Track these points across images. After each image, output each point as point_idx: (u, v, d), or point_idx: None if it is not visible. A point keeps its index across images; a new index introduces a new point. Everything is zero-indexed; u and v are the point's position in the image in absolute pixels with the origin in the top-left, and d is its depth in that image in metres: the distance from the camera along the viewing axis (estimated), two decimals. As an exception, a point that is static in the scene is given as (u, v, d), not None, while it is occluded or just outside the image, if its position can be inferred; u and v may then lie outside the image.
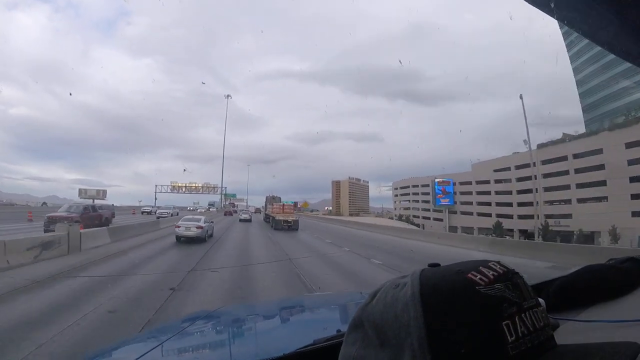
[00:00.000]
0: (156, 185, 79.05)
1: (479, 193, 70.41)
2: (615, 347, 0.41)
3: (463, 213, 73.58)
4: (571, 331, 0.77)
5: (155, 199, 70.65)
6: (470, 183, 73.39)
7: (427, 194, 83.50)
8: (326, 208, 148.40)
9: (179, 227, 15.69)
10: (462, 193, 75.49)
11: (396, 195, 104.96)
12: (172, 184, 79.88)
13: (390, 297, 0.47)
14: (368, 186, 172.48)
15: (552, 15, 1.03)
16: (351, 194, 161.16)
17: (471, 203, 72.11)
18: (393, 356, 0.44)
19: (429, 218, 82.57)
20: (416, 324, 0.42)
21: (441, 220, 77.29)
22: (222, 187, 77.22)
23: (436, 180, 78.08)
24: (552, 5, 1.00)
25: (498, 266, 0.47)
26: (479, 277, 0.44)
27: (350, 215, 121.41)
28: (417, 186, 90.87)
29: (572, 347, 0.43)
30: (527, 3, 1.05)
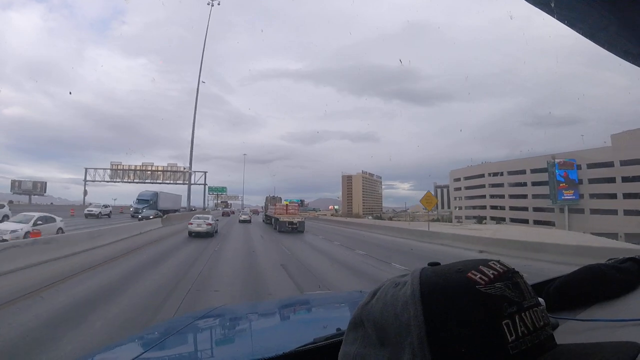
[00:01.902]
0: (86, 170, 47.27)
1: (627, 179, 43.07)
2: (615, 346, 0.41)
3: (595, 212, 46.88)
4: (571, 331, 0.77)
5: (85, 192, 45.88)
6: (609, 164, 45.76)
7: (522, 184, 55.91)
8: (331, 207, 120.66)
9: (191, 224, 18.44)
10: (592, 181, 48.15)
11: (458, 189, 74.67)
12: (113, 166, 49.32)
13: (390, 296, 0.47)
14: (381, 182, 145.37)
15: (552, 15, 1.04)
16: (365, 191, 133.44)
17: (614, 196, 45.08)
18: (393, 355, 0.44)
19: (525, 221, 52.68)
20: (416, 323, 0.42)
21: (550, 223, 49.16)
22: (191, 167, 45.20)
23: (556, 161, 49.58)
24: (552, 5, 1.00)
25: (498, 265, 0.47)
26: (479, 276, 0.44)
27: (377, 217, 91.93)
28: (500, 174, 60.75)
29: (572, 346, 0.43)
30: (527, 2, 1.06)
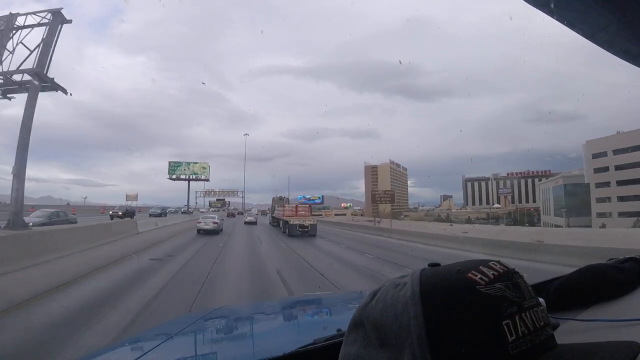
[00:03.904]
0: None
1: None
2: (615, 346, 0.41)
3: None
4: (571, 331, 0.77)
5: None
6: None
7: None
8: (343, 205, 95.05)
9: (199, 222, 21.43)
10: None
11: (601, 170, 46.50)
12: None
13: (390, 297, 0.47)
14: (406, 174, 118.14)
15: (551, 15, 1.04)
16: (393, 185, 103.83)
17: None
18: (393, 356, 0.44)
19: None
20: (416, 324, 0.42)
21: None
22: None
23: None
24: (552, 6, 1.00)
25: (498, 265, 0.47)
26: (479, 276, 0.44)
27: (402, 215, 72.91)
28: None
29: (572, 346, 0.43)
30: (526, 3, 1.06)
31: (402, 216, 71.82)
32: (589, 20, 1.01)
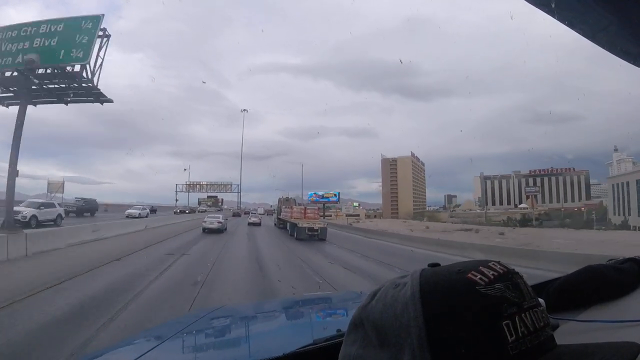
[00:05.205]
0: None
1: None
2: (615, 347, 0.41)
3: None
4: (571, 331, 0.78)
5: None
6: None
7: None
8: (351, 203, 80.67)
9: (204, 222, 22.55)
10: None
11: None
12: None
13: (390, 297, 0.47)
14: (424, 170, 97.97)
15: (552, 15, 1.04)
16: (415, 181, 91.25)
17: None
18: (393, 356, 0.44)
19: None
20: (416, 324, 0.42)
21: None
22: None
23: None
24: (553, 5, 1.01)
25: (498, 266, 0.47)
26: (479, 277, 0.44)
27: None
28: None
29: (572, 347, 0.43)
30: (527, 2, 1.06)
31: (424, 219, 59.61)
32: (590, 21, 1.01)
